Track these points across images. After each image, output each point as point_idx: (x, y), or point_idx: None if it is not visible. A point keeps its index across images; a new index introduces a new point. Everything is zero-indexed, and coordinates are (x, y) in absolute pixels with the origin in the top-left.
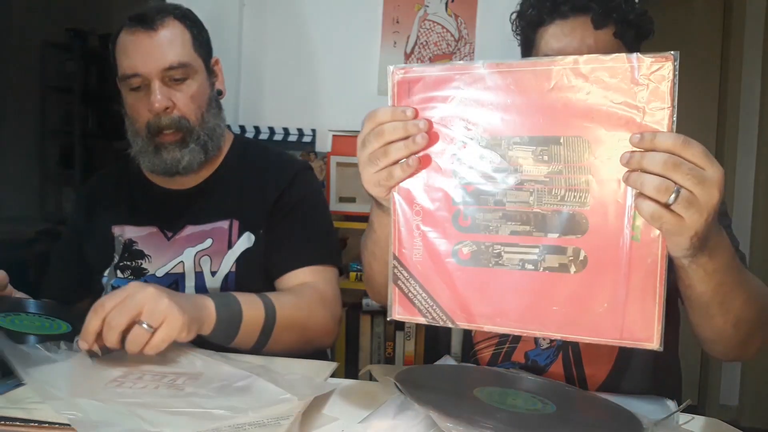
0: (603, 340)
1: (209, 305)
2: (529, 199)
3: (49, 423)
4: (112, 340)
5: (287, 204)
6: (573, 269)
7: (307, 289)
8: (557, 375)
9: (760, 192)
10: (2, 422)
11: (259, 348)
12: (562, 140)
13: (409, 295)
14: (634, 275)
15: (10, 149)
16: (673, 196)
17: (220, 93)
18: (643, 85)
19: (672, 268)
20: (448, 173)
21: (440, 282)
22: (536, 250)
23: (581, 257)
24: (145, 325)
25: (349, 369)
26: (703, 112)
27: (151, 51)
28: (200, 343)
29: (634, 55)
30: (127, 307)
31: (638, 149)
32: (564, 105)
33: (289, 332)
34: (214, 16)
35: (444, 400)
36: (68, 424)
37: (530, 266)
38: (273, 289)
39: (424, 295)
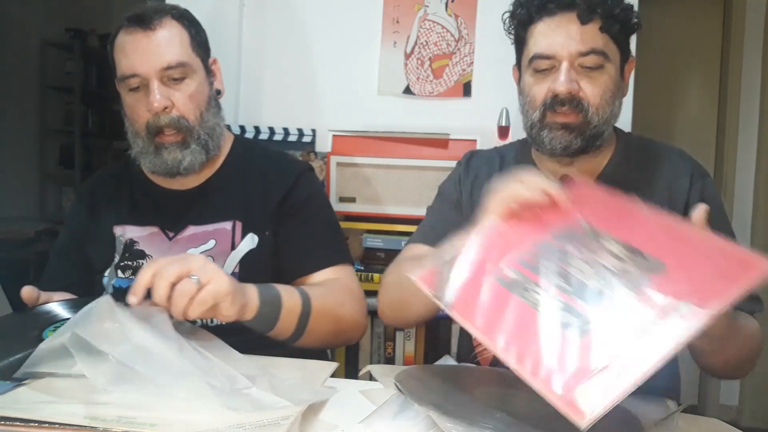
0: (550, 398)
1: (252, 289)
2: (588, 271)
3: (49, 423)
4: (161, 289)
5: (293, 205)
6: (575, 331)
7: (335, 283)
8: None
9: (760, 192)
10: (2, 422)
11: (296, 337)
12: (646, 256)
13: (437, 272)
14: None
15: (10, 149)
16: None
17: (218, 92)
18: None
19: None
20: (546, 237)
21: (470, 280)
22: (559, 304)
23: (587, 326)
24: (194, 278)
25: (349, 369)
26: (703, 112)
27: (149, 51)
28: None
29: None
30: (179, 262)
31: None
32: (667, 233)
33: (324, 322)
34: (214, 16)
35: (444, 400)
36: (68, 424)
37: (541, 310)
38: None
39: (451, 279)
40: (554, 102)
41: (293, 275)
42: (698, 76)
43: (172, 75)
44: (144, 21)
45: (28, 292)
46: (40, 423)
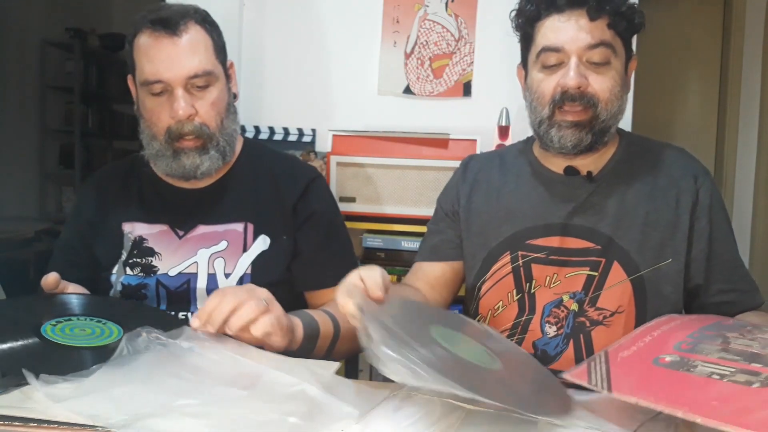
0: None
1: (298, 323)
2: (755, 345)
3: (48, 422)
4: (226, 308)
5: (307, 214)
6: (756, 385)
7: None
8: (568, 364)
9: (760, 192)
10: (2, 422)
11: (322, 359)
12: None
13: (591, 367)
14: None
15: (10, 149)
16: None
17: (234, 96)
18: None
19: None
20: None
21: (626, 368)
22: (732, 369)
23: None
24: (262, 301)
25: (349, 369)
26: (703, 112)
27: (176, 58)
28: None
29: None
30: (248, 290)
31: None
32: None
33: (345, 343)
34: (214, 16)
35: (395, 324)
36: (67, 423)
37: (716, 377)
38: (286, 289)
39: (604, 369)
40: (564, 98)
41: (308, 287)
42: (698, 76)
43: (197, 83)
44: (170, 25)
45: (53, 278)
46: (40, 422)
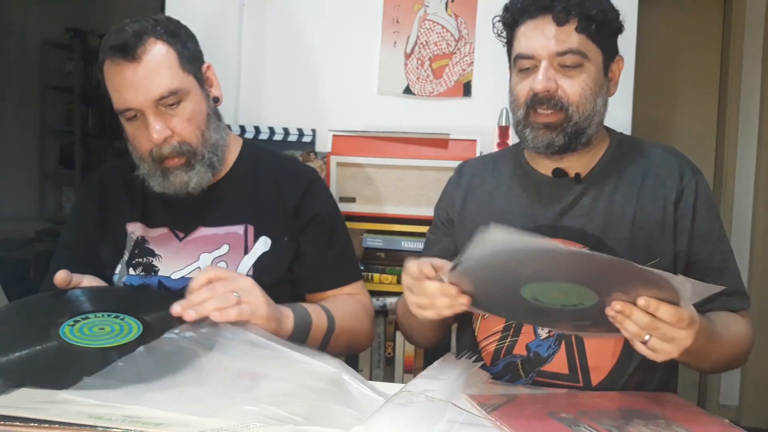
0: None
1: (288, 313)
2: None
3: (49, 422)
4: (202, 296)
5: (309, 216)
6: None
7: (352, 300)
8: (561, 365)
9: (760, 192)
10: (2, 422)
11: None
12: None
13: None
14: None
15: (10, 149)
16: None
17: (216, 100)
18: None
19: None
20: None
21: (521, 411)
22: None
23: None
24: (236, 294)
25: None
26: (703, 112)
27: (138, 84)
28: None
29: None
30: (228, 281)
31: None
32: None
33: (342, 339)
34: (214, 16)
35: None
36: (68, 423)
37: None
38: (288, 289)
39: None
40: (534, 101)
41: (311, 289)
42: (698, 77)
43: (167, 102)
44: (127, 51)
45: (63, 275)
46: (40, 423)
